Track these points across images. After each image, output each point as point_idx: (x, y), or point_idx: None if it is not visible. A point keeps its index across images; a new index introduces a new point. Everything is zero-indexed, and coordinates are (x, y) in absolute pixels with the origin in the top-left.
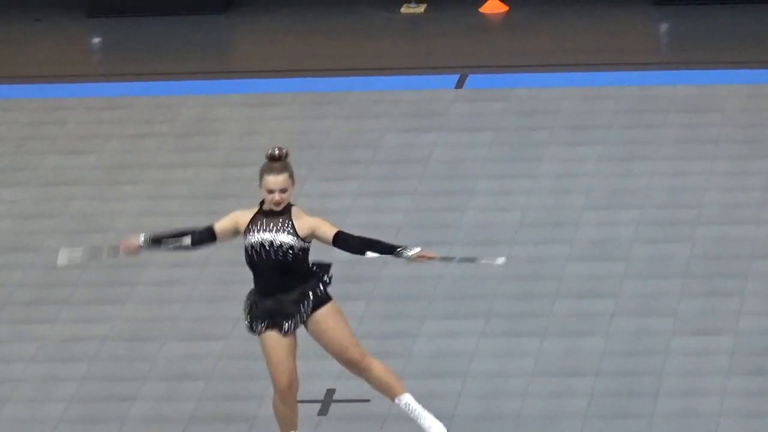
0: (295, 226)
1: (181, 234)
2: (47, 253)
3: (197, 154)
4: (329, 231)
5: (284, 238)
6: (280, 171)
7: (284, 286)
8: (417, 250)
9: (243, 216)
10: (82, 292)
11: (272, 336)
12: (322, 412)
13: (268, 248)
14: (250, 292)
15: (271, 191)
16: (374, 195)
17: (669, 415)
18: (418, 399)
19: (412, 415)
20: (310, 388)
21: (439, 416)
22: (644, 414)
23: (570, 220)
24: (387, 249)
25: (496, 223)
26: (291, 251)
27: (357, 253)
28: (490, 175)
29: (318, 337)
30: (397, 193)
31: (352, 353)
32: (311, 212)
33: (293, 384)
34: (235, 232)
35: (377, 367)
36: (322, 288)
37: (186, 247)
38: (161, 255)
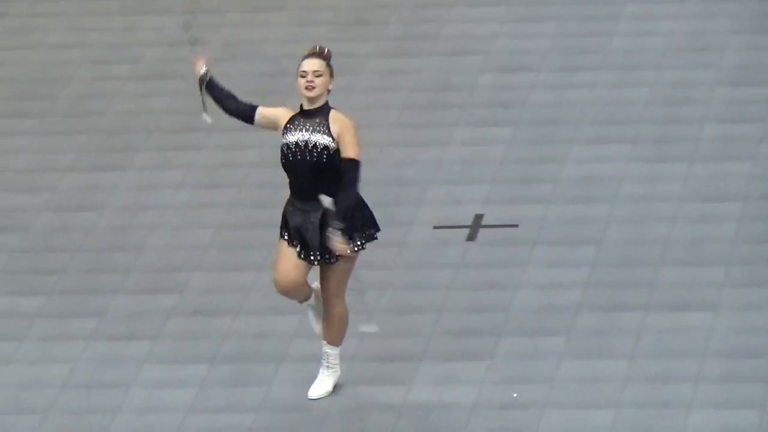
0: (330, 128)
1: (228, 97)
2: (194, 81)
3: None
4: (347, 151)
5: (319, 138)
6: (317, 57)
7: (318, 191)
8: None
9: (286, 114)
10: (231, 120)
11: (290, 252)
12: (471, 237)
13: (303, 148)
14: (287, 201)
15: (304, 73)
16: (520, 21)
17: None
18: (566, 223)
19: (325, 364)
20: (458, 213)
21: (585, 241)
22: None
23: (716, 44)
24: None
25: (642, 48)
26: (326, 152)
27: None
28: (635, 0)
29: (322, 276)
30: (543, 19)
31: (333, 298)
32: (350, 117)
33: (290, 292)
34: (273, 125)
35: (341, 311)
36: (358, 246)
37: (223, 108)
38: None
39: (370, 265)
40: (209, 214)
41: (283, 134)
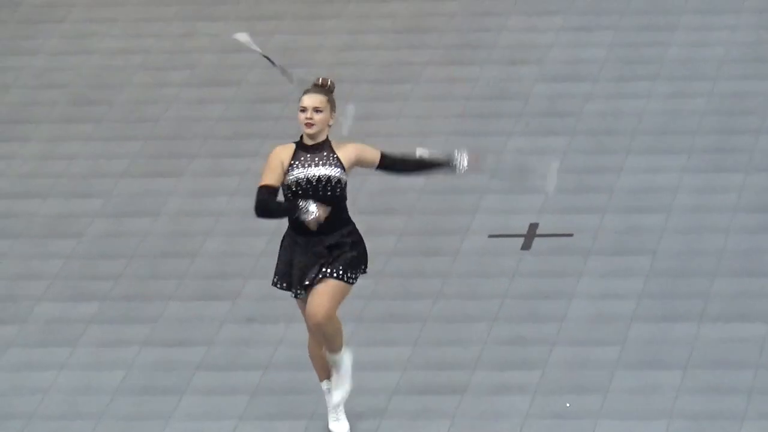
0: (340, 158)
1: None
2: (249, 87)
3: None
4: (374, 153)
5: (332, 171)
6: (318, 92)
7: (329, 227)
8: (465, 159)
9: (284, 151)
10: (285, 126)
11: (311, 296)
12: (525, 246)
13: (315, 183)
14: (284, 237)
15: (303, 109)
16: (576, 30)
17: None
18: (621, 233)
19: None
20: (513, 222)
21: (640, 251)
22: None
23: None
24: (435, 165)
25: (698, 59)
26: (339, 185)
27: (405, 172)
28: (693, 10)
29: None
30: (599, 28)
31: (321, 317)
32: (346, 139)
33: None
34: (282, 171)
35: (334, 327)
36: (353, 275)
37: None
38: (364, 89)
39: (424, 273)
40: (263, 221)
41: (289, 171)
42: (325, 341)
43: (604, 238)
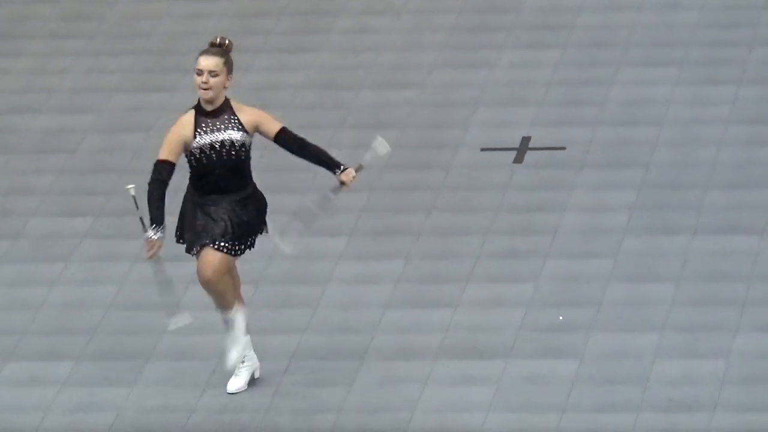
0: (241, 121)
1: (158, 202)
2: (241, 1)
3: None
4: (273, 126)
5: (234, 135)
6: (213, 54)
7: (233, 187)
8: (348, 172)
9: (183, 127)
10: (276, 40)
11: (203, 254)
12: (518, 159)
13: (219, 148)
14: (186, 196)
15: (199, 72)
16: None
17: None
18: (613, 146)
19: (230, 336)
20: (505, 136)
21: (632, 164)
22: None
23: None
24: (324, 163)
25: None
26: (243, 148)
27: (296, 154)
28: None
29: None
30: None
31: (211, 274)
32: (249, 104)
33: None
34: (184, 145)
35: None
36: (241, 247)
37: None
38: (356, 2)
39: (416, 186)
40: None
41: (195, 140)
42: (214, 299)
43: (597, 150)
